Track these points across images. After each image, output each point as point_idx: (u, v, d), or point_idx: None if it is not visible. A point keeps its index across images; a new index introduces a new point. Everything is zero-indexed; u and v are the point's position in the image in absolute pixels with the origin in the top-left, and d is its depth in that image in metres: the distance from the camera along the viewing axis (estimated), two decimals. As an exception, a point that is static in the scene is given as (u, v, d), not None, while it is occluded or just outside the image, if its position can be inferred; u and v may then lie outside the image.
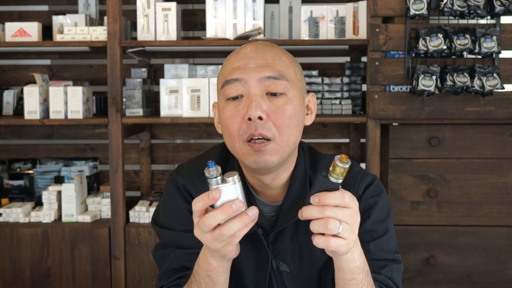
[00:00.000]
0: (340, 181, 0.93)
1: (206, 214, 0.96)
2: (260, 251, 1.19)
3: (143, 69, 2.78)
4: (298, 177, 1.19)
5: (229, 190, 0.96)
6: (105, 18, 2.48)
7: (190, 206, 1.21)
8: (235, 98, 1.11)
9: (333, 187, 0.93)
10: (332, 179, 0.93)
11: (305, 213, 0.94)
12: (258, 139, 1.08)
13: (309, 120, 1.20)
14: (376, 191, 1.22)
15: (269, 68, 1.10)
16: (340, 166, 0.91)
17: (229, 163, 1.24)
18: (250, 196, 1.20)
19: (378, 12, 2.34)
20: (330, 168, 0.92)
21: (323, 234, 0.95)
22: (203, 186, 1.21)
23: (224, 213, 0.95)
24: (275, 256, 1.19)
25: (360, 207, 1.18)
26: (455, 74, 2.29)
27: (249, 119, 1.07)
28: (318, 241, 0.94)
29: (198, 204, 0.97)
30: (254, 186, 1.20)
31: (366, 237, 1.16)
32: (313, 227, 0.94)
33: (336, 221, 0.93)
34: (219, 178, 0.96)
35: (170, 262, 1.20)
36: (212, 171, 0.95)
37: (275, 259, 1.20)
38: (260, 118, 1.07)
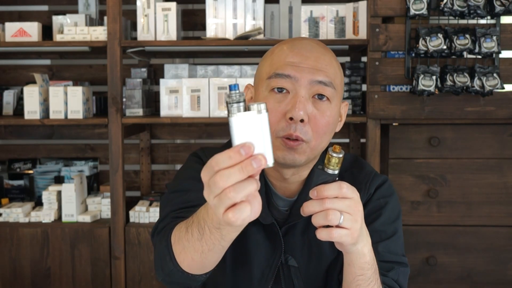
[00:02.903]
0: (336, 172, 0.94)
1: (219, 172, 0.77)
2: (272, 244, 1.19)
3: (143, 69, 2.78)
4: None
5: (253, 121, 0.76)
6: (105, 18, 2.47)
7: None
8: (280, 91, 1.10)
9: (330, 179, 0.94)
10: (328, 171, 0.94)
11: (306, 208, 0.94)
12: (293, 139, 1.09)
13: (339, 127, 1.21)
14: (387, 192, 1.22)
15: (322, 72, 1.10)
16: (335, 156, 0.93)
17: None
18: (267, 188, 1.21)
19: (378, 12, 2.34)
20: (326, 161, 0.94)
21: (327, 228, 0.95)
22: None
23: (242, 172, 0.76)
24: (284, 250, 1.20)
25: (370, 206, 1.20)
26: (455, 74, 2.29)
27: (291, 118, 1.08)
28: (321, 234, 0.94)
29: (223, 162, 0.77)
30: (271, 180, 1.21)
31: (375, 237, 1.16)
32: (315, 220, 0.94)
33: (336, 211, 0.93)
34: (241, 104, 0.76)
35: (178, 202, 1.14)
36: (235, 94, 0.75)
37: (284, 253, 1.20)
38: (301, 120, 1.08)
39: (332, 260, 1.20)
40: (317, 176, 0.94)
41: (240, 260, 1.21)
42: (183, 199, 1.15)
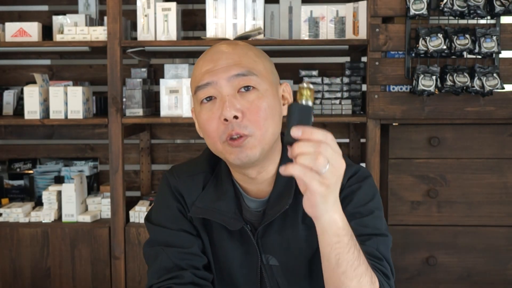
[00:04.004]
0: (310, 103, 0.93)
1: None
2: (249, 248, 1.20)
3: (143, 69, 2.78)
4: None
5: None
6: (105, 18, 2.47)
7: (180, 205, 1.24)
8: (208, 100, 1.13)
9: (307, 111, 0.92)
10: (302, 102, 0.93)
11: (297, 149, 0.88)
12: (237, 138, 1.09)
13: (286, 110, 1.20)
14: (359, 179, 1.20)
15: (236, 66, 1.12)
16: (305, 87, 0.93)
17: (219, 163, 1.25)
18: (237, 192, 1.21)
19: (378, 12, 2.34)
20: (297, 96, 0.93)
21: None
22: (195, 187, 1.24)
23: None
24: (264, 250, 1.20)
25: (343, 195, 1.16)
26: (455, 74, 2.29)
27: (225, 119, 1.09)
28: (294, 169, 0.88)
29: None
30: (240, 183, 1.21)
31: (349, 219, 1.10)
32: (302, 160, 0.88)
33: (325, 158, 0.88)
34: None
35: (162, 261, 1.20)
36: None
37: (264, 254, 1.20)
38: (235, 117, 1.09)
39: (312, 256, 1.19)
40: (294, 109, 0.92)
41: (224, 271, 1.22)
42: (170, 253, 1.20)
